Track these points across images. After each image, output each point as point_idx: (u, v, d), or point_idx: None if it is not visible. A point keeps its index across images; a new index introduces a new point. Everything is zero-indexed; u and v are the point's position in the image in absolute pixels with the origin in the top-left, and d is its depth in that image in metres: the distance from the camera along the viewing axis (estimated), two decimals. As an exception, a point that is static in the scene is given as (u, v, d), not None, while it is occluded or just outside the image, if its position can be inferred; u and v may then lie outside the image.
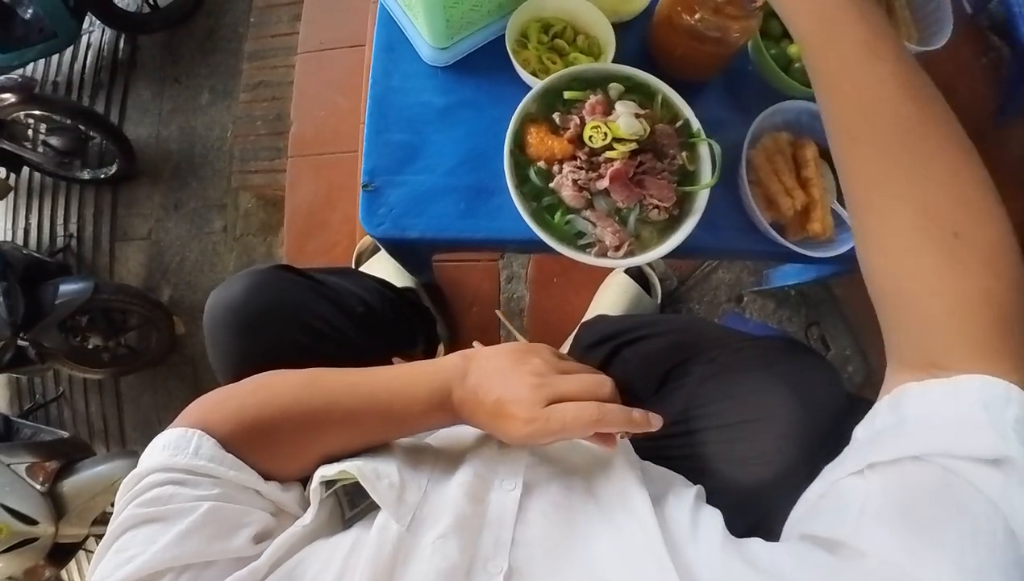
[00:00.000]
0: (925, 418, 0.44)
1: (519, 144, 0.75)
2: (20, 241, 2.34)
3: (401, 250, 0.99)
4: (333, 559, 0.52)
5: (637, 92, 0.79)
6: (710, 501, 0.73)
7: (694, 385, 0.86)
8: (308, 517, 0.56)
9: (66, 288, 1.89)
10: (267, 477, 0.60)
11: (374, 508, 0.57)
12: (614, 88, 0.78)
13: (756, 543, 0.53)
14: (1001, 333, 0.44)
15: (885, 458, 0.43)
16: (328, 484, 0.59)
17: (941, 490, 0.40)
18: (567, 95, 0.77)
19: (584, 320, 1.47)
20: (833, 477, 0.49)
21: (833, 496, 0.48)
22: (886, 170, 0.49)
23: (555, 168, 0.73)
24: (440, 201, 0.85)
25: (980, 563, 0.36)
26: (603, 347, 1.16)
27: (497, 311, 1.61)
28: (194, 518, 0.51)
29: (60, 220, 2.32)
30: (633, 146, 0.72)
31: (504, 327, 1.62)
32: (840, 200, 0.86)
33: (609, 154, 0.72)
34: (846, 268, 1.14)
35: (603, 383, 0.63)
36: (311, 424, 0.61)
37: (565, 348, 1.49)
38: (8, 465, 1.78)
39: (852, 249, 0.81)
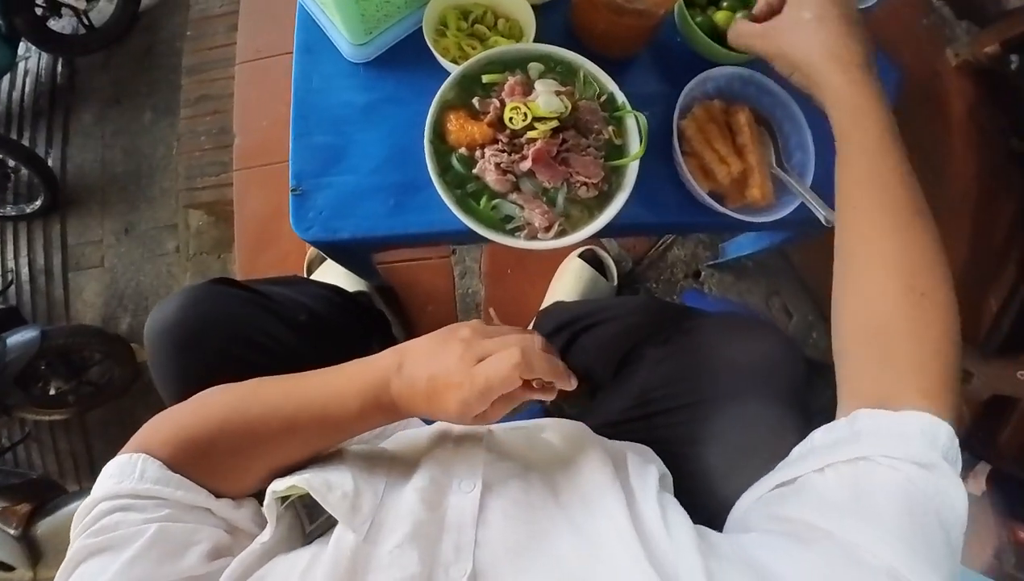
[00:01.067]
0: (875, 432, 0.53)
1: (439, 133, 0.73)
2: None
3: (337, 252, 0.97)
4: (290, 576, 0.51)
5: (559, 71, 0.78)
6: (673, 485, 0.72)
7: (648, 368, 0.86)
8: (267, 535, 0.55)
9: (13, 342, 1.84)
10: (218, 495, 0.59)
11: (334, 520, 0.55)
12: (534, 68, 0.77)
13: (724, 538, 0.57)
14: (944, 382, 0.54)
15: (842, 459, 0.52)
16: (283, 499, 0.58)
17: (887, 483, 0.49)
18: (485, 79, 0.75)
19: (541, 308, 1.46)
20: (794, 473, 0.56)
21: (797, 487, 0.55)
22: (876, 232, 0.61)
23: (477, 153, 0.72)
24: (368, 200, 0.83)
25: (915, 535, 0.46)
26: (561, 335, 1.16)
27: (490, 310, 1.60)
28: (141, 543, 0.50)
29: (9, 257, 2.26)
30: (555, 124, 0.71)
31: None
32: (780, 164, 0.85)
33: (531, 134, 0.70)
34: (797, 233, 1.14)
35: (528, 336, 0.61)
36: (249, 437, 0.60)
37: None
38: (-28, 505, 1.74)
39: (796, 212, 0.82)
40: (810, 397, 1.04)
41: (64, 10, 2.21)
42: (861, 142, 0.64)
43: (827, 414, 1.03)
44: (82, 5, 2.14)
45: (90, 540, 0.51)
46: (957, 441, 0.52)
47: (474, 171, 0.71)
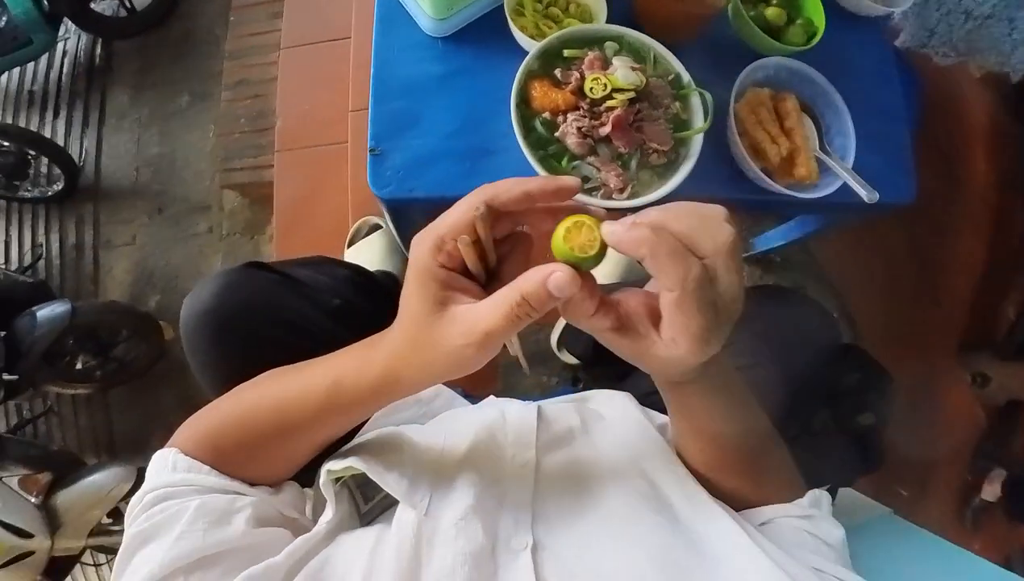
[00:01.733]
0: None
1: (524, 99, 0.79)
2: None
3: (404, 217, 1.01)
4: (359, 558, 0.51)
5: (629, 51, 0.84)
6: None
7: None
8: (328, 514, 0.56)
9: (43, 317, 1.83)
10: (253, 484, 0.60)
11: (390, 500, 0.57)
12: (609, 47, 0.83)
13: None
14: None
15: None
16: (337, 479, 0.59)
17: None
18: (566, 53, 0.81)
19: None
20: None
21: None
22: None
23: (559, 118, 0.77)
24: (442, 162, 0.88)
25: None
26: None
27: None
28: (185, 518, 0.52)
29: (40, 233, 2.30)
30: (631, 95, 0.76)
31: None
32: (823, 148, 0.91)
33: (609, 103, 0.76)
34: (834, 219, 1.20)
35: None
36: (275, 428, 0.58)
37: (561, 323, 1.52)
38: (0, 479, 1.76)
39: (836, 194, 0.88)
40: (837, 376, 1.10)
41: (106, -8, 2.27)
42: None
43: (852, 396, 1.08)
44: (124, -13, 2.20)
45: (137, 529, 0.52)
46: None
47: (556, 134, 0.77)
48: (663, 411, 0.80)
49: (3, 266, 2.21)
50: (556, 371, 1.62)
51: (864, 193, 0.85)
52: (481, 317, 0.44)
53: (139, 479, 1.78)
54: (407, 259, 1.45)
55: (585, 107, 0.77)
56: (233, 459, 0.59)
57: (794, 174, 0.89)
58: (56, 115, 2.35)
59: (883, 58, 1.05)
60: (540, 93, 0.78)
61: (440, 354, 0.46)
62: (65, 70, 2.38)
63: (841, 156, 0.91)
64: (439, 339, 0.46)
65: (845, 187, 0.88)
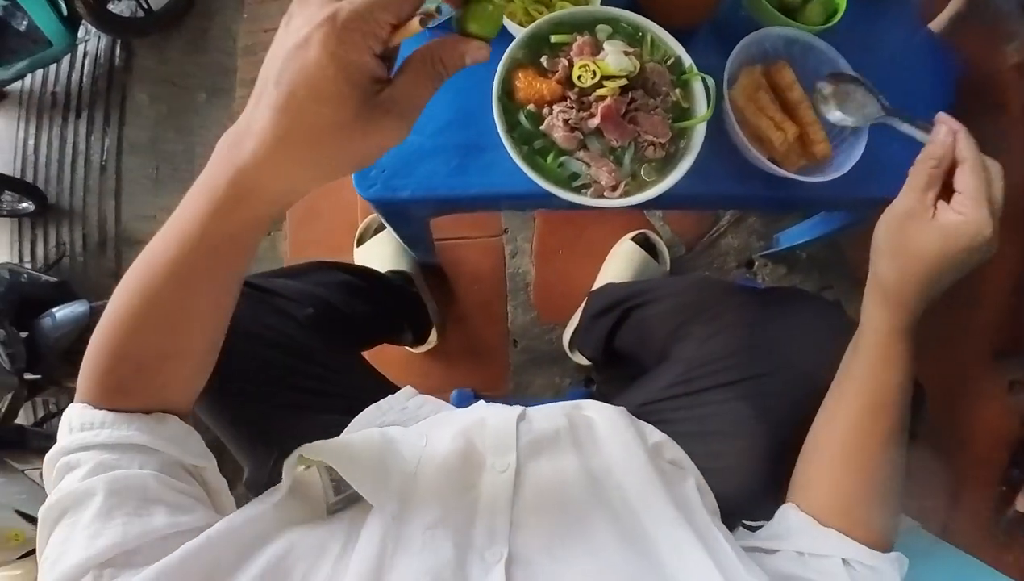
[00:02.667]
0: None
1: (507, 90, 0.73)
2: (16, 258, 2.34)
3: (395, 216, 0.97)
4: (324, 558, 0.50)
5: (624, 35, 0.77)
6: (704, 466, 0.73)
7: (696, 345, 0.85)
8: (277, 496, 0.54)
9: (63, 316, 1.84)
10: (163, 409, 0.55)
11: (358, 497, 0.54)
12: (601, 30, 0.76)
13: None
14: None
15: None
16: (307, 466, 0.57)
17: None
18: (554, 39, 0.75)
19: (592, 289, 1.46)
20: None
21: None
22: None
23: (545, 110, 0.72)
24: (430, 160, 0.83)
25: None
26: (611, 314, 1.15)
27: None
28: (94, 511, 0.47)
29: (64, 231, 2.33)
30: (623, 83, 0.70)
31: (509, 304, 1.61)
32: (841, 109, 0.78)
33: (599, 92, 0.70)
34: (855, 219, 1.12)
35: None
36: (150, 335, 0.52)
37: (574, 321, 1.48)
38: (23, 472, 1.78)
39: (859, 184, 0.80)
40: None
41: (123, -7, 2.28)
42: (887, 384, 0.63)
43: None
44: (141, -12, 2.20)
45: (47, 504, 0.49)
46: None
47: (542, 128, 0.71)
48: (662, 423, 0.76)
49: (28, 266, 2.23)
50: (569, 373, 1.58)
51: (916, 133, 0.67)
52: (416, 93, 0.44)
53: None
54: (410, 259, 1.44)
55: (573, 97, 0.70)
56: (135, 387, 0.53)
57: (814, 152, 0.81)
58: (79, 115, 2.37)
59: (914, 40, 0.97)
60: (524, 83, 0.72)
61: (364, 146, 0.43)
62: (86, 71, 2.39)
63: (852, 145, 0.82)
64: (371, 132, 0.42)
65: (867, 179, 0.80)
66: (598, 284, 1.50)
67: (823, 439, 0.66)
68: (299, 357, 0.83)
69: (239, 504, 0.57)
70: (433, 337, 1.56)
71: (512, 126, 0.72)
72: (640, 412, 0.79)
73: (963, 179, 0.56)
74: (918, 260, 0.57)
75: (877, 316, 0.62)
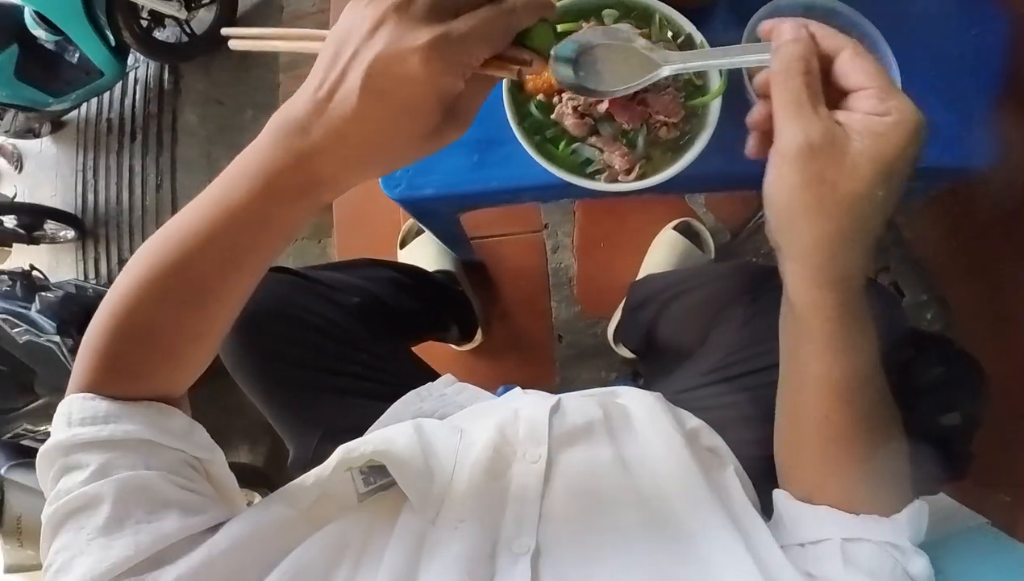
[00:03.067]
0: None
1: (517, 82, 0.74)
2: (81, 276, 2.47)
3: (424, 214, 0.99)
4: (346, 555, 0.49)
5: (634, 17, 0.77)
6: (743, 454, 0.70)
7: (734, 330, 0.83)
8: (308, 498, 0.53)
9: None
10: (168, 394, 0.53)
11: (389, 487, 0.54)
12: (608, 15, 0.76)
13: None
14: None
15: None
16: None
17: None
18: (560, 28, 0.75)
19: (634, 281, 1.45)
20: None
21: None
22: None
23: (555, 99, 0.72)
24: (451, 157, 0.84)
25: None
26: (652, 306, 1.14)
27: None
28: (103, 519, 0.44)
29: (125, 246, 2.44)
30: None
31: (553, 299, 1.61)
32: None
33: (608, 76, 0.70)
34: (913, 187, 1.07)
35: None
36: (161, 301, 0.49)
37: (618, 314, 1.47)
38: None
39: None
40: (917, 370, 0.97)
41: (167, 21, 2.37)
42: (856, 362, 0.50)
43: (935, 394, 0.95)
44: (183, 15, 2.29)
45: (51, 508, 0.46)
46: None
47: (552, 116, 0.72)
48: (701, 409, 0.75)
49: (93, 282, 2.35)
50: (615, 366, 1.57)
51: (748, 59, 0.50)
52: (476, 101, 0.46)
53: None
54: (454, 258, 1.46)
55: (581, 84, 0.71)
56: (148, 369, 0.51)
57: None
58: (133, 139, 2.49)
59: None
60: (533, 74, 0.72)
61: (428, 150, 0.45)
62: (137, 96, 2.51)
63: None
64: (437, 139, 0.44)
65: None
66: (641, 275, 1.48)
67: (792, 436, 0.58)
68: (343, 342, 0.86)
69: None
70: (479, 335, 1.57)
71: (523, 117, 0.73)
72: (678, 399, 0.78)
73: (856, 70, 0.42)
74: (852, 207, 0.42)
75: (817, 300, 0.47)
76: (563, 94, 0.71)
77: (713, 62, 0.52)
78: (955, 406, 0.91)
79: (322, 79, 0.42)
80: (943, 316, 1.46)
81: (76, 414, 0.48)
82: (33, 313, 1.73)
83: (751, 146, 0.51)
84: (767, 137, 0.45)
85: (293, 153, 0.43)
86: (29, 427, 1.77)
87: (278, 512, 0.51)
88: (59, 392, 1.77)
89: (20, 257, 2.54)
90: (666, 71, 0.51)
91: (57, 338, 1.69)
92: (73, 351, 1.79)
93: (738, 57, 0.49)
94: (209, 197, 0.47)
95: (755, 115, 0.49)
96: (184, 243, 0.47)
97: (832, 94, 0.43)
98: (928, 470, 0.91)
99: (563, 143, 0.72)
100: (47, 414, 1.79)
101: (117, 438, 0.48)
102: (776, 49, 0.44)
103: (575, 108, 0.70)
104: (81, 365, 0.50)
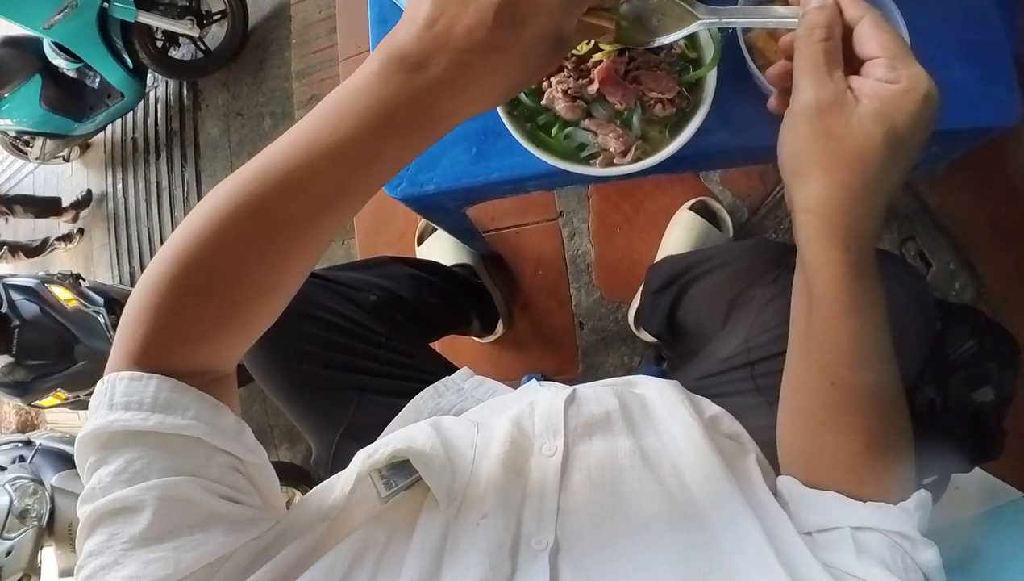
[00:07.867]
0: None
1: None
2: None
3: (430, 210, 0.99)
4: (367, 555, 0.49)
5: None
6: (764, 440, 0.68)
7: (755, 312, 0.81)
8: (343, 495, 0.52)
9: None
10: (218, 366, 0.50)
11: (409, 487, 0.53)
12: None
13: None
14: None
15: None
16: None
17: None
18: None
19: (651, 264, 1.42)
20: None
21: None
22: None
23: (544, 84, 0.70)
24: (450, 151, 0.84)
25: None
26: (671, 289, 1.12)
27: None
28: (141, 529, 0.42)
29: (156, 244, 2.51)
30: (620, 45, 0.68)
31: (572, 287, 1.60)
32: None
33: (596, 56, 0.68)
34: (924, 157, 1.02)
35: None
36: (252, 253, 0.46)
37: (637, 299, 1.45)
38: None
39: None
40: (946, 344, 0.93)
41: (182, 39, 2.43)
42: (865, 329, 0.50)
43: (966, 368, 0.91)
44: (196, 32, 2.34)
45: (88, 507, 0.43)
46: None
47: (543, 102, 0.70)
48: (720, 396, 0.73)
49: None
50: (638, 351, 1.55)
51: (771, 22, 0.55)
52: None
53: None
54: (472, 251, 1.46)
55: (570, 66, 0.69)
56: (214, 329, 0.47)
57: None
58: (158, 156, 2.55)
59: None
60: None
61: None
62: (159, 115, 2.57)
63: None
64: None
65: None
66: (658, 258, 1.46)
67: (798, 406, 0.58)
68: (361, 340, 0.87)
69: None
70: (500, 326, 1.58)
71: (514, 105, 0.72)
72: (698, 387, 0.77)
73: (871, 39, 0.45)
74: (859, 162, 0.44)
75: (828, 258, 0.48)
76: (552, 78, 0.70)
77: (746, 20, 0.57)
78: (987, 380, 0.88)
79: (436, 13, 0.41)
80: (973, 285, 1.39)
81: (120, 396, 0.44)
82: (84, 287, 1.88)
83: (772, 101, 0.56)
84: (787, 94, 0.49)
85: (410, 88, 0.42)
86: (63, 391, 1.86)
87: (317, 530, 0.50)
88: (97, 361, 1.90)
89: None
90: (700, 24, 0.56)
91: (103, 310, 1.81)
92: (115, 326, 1.86)
93: (770, 18, 0.54)
94: (304, 135, 0.45)
95: (776, 70, 0.54)
96: (269, 184, 0.44)
97: (854, 61, 0.47)
98: (963, 449, 0.88)
99: (556, 129, 0.70)
100: (82, 381, 1.88)
101: (164, 431, 0.44)
102: (803, 15, 0.47)
103: (565, 91, 0.68)
104: (129, 328, 0.46)
